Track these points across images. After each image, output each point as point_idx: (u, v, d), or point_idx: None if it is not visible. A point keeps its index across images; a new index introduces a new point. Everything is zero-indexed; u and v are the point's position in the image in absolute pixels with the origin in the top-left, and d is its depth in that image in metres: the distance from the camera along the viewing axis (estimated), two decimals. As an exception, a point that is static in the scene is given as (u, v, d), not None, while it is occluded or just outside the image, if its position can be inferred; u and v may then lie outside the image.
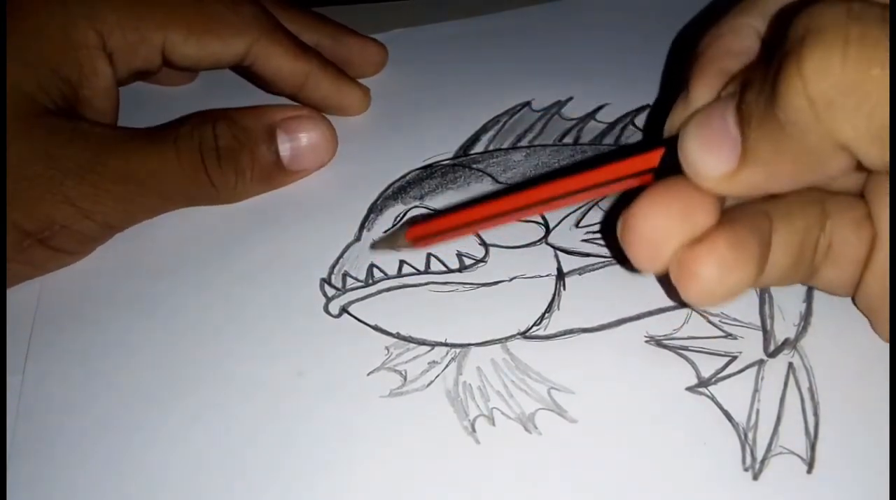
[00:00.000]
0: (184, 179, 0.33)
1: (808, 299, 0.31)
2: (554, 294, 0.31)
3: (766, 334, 0.30)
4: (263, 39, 0.36)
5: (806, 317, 0.30)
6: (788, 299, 0.31)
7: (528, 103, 0.40)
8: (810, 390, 0.28)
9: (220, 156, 0.33)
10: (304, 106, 0.38)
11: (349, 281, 0.32)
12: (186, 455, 0.27)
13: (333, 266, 0.33)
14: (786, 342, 0.29)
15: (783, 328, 0.30)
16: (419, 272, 0.32)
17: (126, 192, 0.32)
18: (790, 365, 0.29)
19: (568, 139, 0.38)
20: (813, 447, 0.26)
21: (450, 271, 0.32)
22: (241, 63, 0.37)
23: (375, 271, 0.32)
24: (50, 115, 0.32)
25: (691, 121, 0.23)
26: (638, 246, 0.24)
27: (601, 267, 0.32)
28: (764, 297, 0.31)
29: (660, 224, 0.24)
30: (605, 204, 0.34)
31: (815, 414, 0.27)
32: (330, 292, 0.32)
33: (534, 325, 0.30)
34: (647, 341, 0.29)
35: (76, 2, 0.33)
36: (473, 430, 0.27)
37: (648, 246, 0.24)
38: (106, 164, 0.31)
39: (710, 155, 0.22)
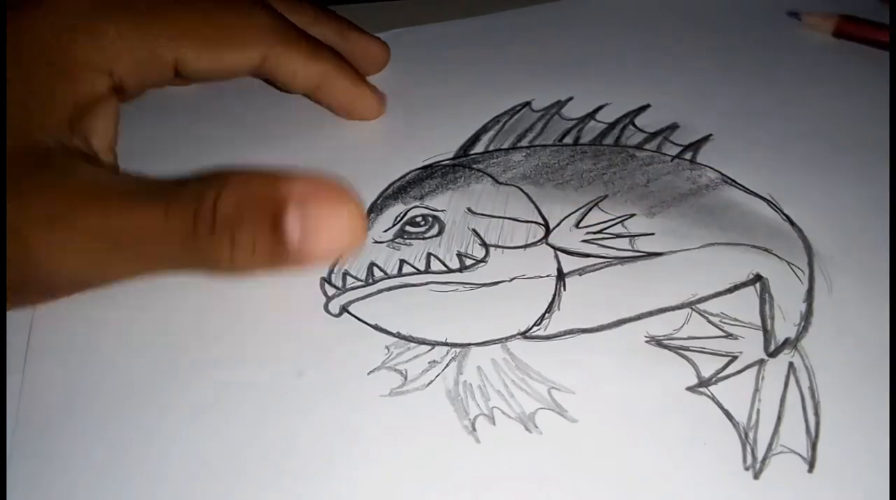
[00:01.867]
0: (168, 243, 0.29)
1: (809, 299, 0.31)
2: (554, 295, 0.31)
3: (767, 333, 0.30)
4: (278, 46, 0.36)
5: (806, 317, 0.30)
6: (789, 299, 0.31)
7: (528, 103, 0.40)
8: (811, 389, 0.28)
9: (216, 225, 0.28)
10: (333, 178, 0.30)
11: (349, 280, 0.32)
12: (186, 455, 0.27)
13: (334, 265, 0.33)
14: (786, 342, 0.29)
15: (784, 328, 0.30)
16: (419, 272, 0.32)
17: (98, 250, 0.28)
18: (791, 365, 0.29)
19: (568, 139, 0.38)
20: (814, 447, 0.26)
21: (450, 270, 0.32)
22: (256, 72, 0.36)
23: (376, 270, 0.32)
24: (33, 150, 0.29)
25: None
26: None
27: (601, 268, 0.32)
28: (764, 297, 0.31)
29: None
30: (606, 205, 0.34)
31: (816, 413, 0.27)
32: (330, 291, 0.32)
33: (534, 325, 0.30)
34: (647, 342, 0.29)
35: (80, 19, 0.32)
36: (474, 429, 0.27)
37: None
38: (84, 217, 0.28)
39: None
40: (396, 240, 0.34)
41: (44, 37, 0.31)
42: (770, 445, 0.26)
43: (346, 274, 0.32)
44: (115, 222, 0.28)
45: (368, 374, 0.29)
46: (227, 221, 0.28)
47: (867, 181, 0.36)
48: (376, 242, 0.34)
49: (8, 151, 0.28)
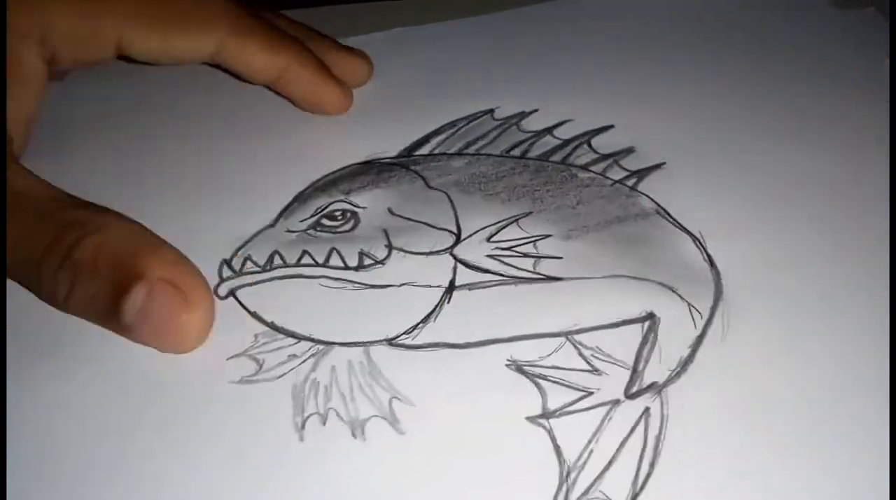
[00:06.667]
0: (22, 255, 0.28)
1: (695, 346, 0.29)
2: (436, 306, 0.31)
3: (635, 374, 0.28)
4: (234, 35, 0.35)
5: (685, 364, 0.29)
6: (673, 343, 0.29)
7: (491, 111, 0.40)
8: (657, 438, 0.26)
9: (63, 264, 0.28)
10: (199, 274, 0.29)
11: (248, 265, 0.32)
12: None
13: (239, 249, 0.33)
14: (651, 386, 0.28)
15: (655, 372, 0.28)
16: (317, 264, 0.32)
17: None
18: (646, 410, 0.27)
19: (516, 152, 0.37)
20: (634, 498, 0.25)
21: (346, 267, 0.32)
22: (211, 60, 0.36)
23: (276, 258, 0.33)
24: None
25: None
26: None
27: (493, 286, 0.31)
28: (648, 337, 0.29)
29: None
30: (526, 222, 0.34)
31: (651, 464, 0.26)
32: (226, 273, 0.32)
33: (404, 333, 0.30)
34: (507, 365, 0.29)
35: None
36: (302, 427, 0.27)
37: None
38: None
39: None
40: (308, 231, 0.34)
41: None
42: (588, 489, 0.25)
43: (247, 259, 0.33)
44: None
45: (228, 359, 0.29)
46: (75, 265, 0.28)
47: (806, 226, 0.34)
48: (289, 231, 0.34)
49: None
